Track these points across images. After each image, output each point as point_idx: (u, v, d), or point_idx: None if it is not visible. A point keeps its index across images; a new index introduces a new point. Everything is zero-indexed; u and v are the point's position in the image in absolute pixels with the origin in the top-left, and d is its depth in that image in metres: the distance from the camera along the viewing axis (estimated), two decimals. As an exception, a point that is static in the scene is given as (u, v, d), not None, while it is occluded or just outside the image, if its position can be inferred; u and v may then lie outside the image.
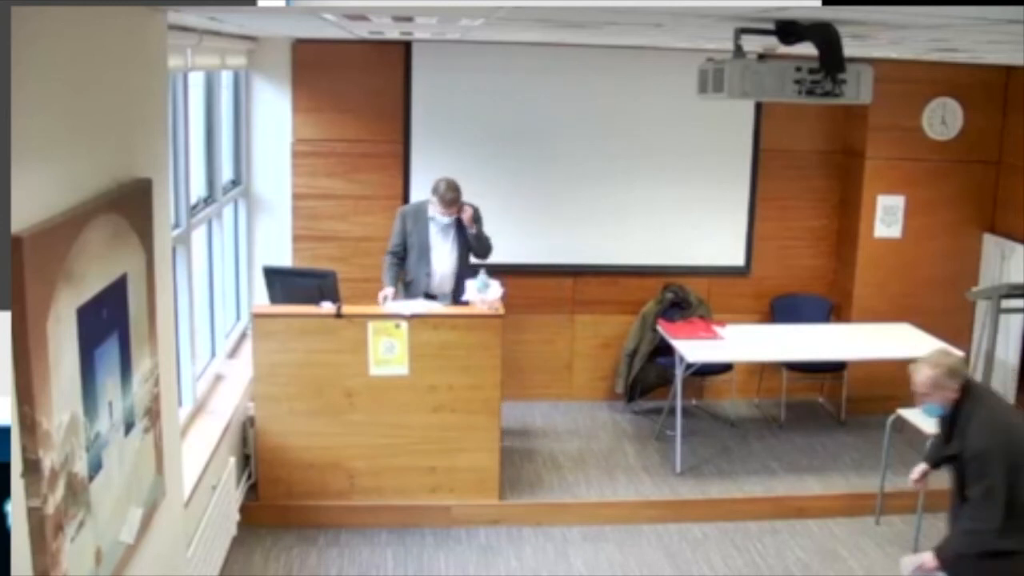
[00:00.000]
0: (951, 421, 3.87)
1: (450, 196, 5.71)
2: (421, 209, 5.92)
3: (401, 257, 5.93)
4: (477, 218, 5.90)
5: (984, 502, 3.71)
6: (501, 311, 5.46)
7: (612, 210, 7.01)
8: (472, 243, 5.85)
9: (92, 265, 2.59)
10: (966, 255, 7.11)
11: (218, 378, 5.67)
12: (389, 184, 6.85)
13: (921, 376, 3.87)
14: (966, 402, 3.84)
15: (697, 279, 7.20)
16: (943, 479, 5.97)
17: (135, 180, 3.06)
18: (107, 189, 2.78)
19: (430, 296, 5.81)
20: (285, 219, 6.84)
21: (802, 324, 6.84)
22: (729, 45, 3.93)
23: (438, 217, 5.80)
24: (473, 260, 5.94)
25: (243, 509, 5.30)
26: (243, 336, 6.44)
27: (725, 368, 6.86)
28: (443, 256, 5.89)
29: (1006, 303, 6.16)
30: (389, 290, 5.75)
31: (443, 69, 6.73)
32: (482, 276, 5.59)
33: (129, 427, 2.97)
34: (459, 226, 5.89)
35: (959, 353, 4.03)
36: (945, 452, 3.97)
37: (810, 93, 3.88)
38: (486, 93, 6.83)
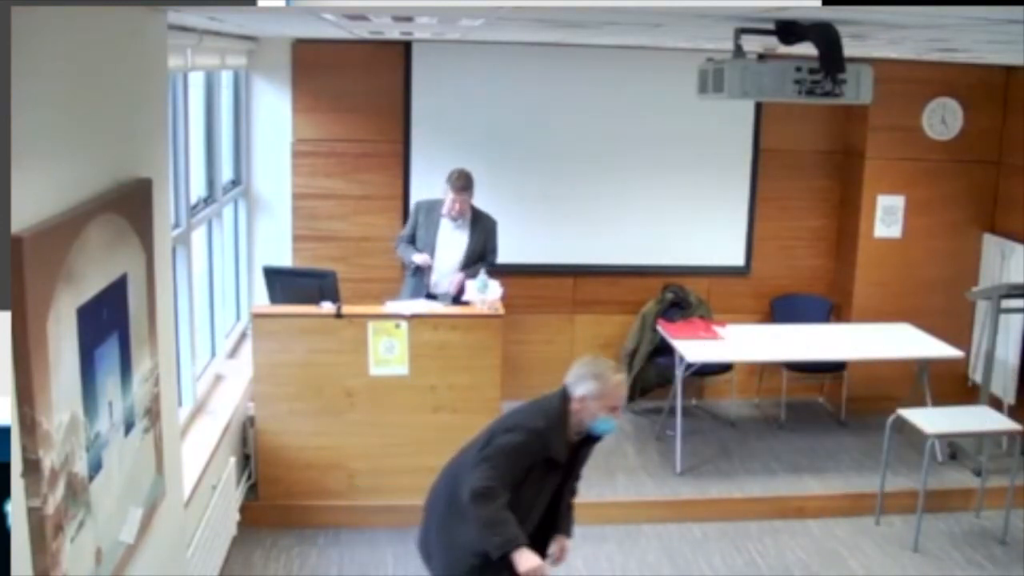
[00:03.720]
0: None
1: (460, 183, 5.77)
2: (436, 205, 5.95)
3: (411, 244, 5.99)
4: (493, 232, 5.99)
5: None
6: (501, 311, 5.46)
7: (612, 210, 7.01)
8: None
9: (92, 265, 2.59)
10: (966, 255, 7.11)
11: (218, 378, 5.67)
12: (389, 184, 6.85)
13: (624, 387, 3.52)
14: None
15: (697, 279, 7.20)
16: (942, 479, 6.01)
17: (135, 180, 3.06)
18: (107, 189, 2.78)
19: (431, 296, 5.83)
20: (285, 219, 6.84)
21: (802, 324, 6.83)
22: (729, 45, 3.93)
23: (447, 218, 5.87)
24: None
25: (243, 509, 5.30)
26: (243, 336, 6.44)
27: (725, 368, 6.85)
28: (448, 256, 5.91)
29: (1006, 303, 6.16)
30: (421, 256, 5.83)
31: (443, 69, 6.73)
32: (482, 276, 5.59)
33: (129, 427, 2.97)
34: (472, 231, 5.90)
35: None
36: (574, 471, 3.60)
37: (810, 93, 3.87)
38: (486, 93, 6.83)
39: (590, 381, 3.43)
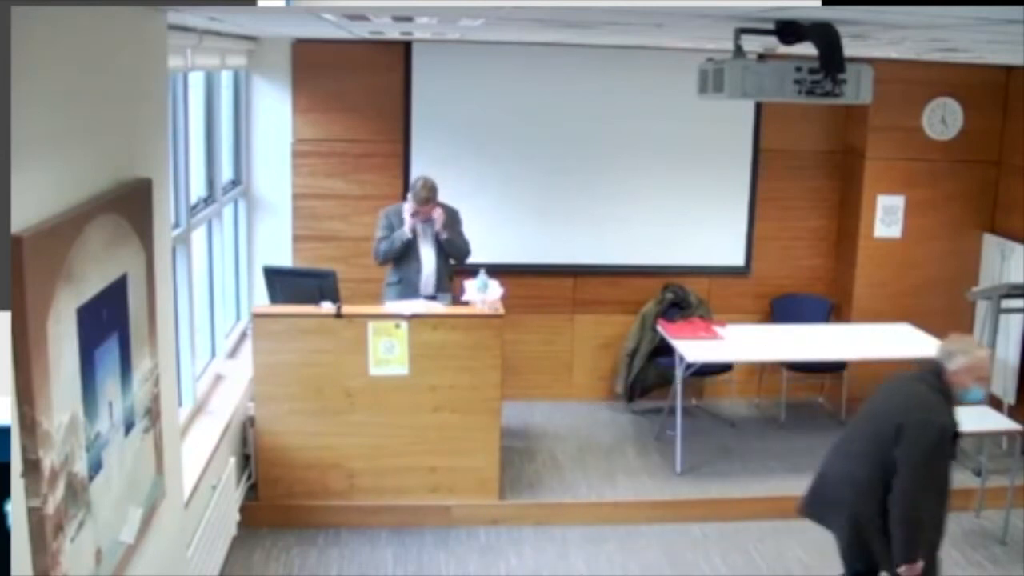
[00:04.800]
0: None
1: (423, 195, 5.75)
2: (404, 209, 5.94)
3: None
4: (456, 220, 5.94)
5: None
6: (501, 311, 5.46)
7: (612, 210, 7.01)
8: (445, 247, 5.88)
9: (92, 265, 2.59)
10: (966, 255, 7.11)
11: (218, 378, 5.67)
12: (389, 184, 6.85)
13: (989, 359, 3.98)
14: None
15: (697, 279, 7.21)
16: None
17: (135, 180, 3.07)
18: (107, 189, 2.78)
19: (429, 297, 5.82)
20: (285, 219, 6.84)
21: (802, 324, 6.83)
22: (729, 45, 3.93)
23: (413, 218, 5.80)
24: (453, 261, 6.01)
25: (243, 509, 5.30)
26: (243, 336, 6.44)
27: (725, 368, 6.85)
28: (428, 255, 5.91)
29: (1006, 303, 6.16)
30: (409, 221, 5.79)
31: (443, 69, 6.73)
32: (482, 276, 5.59)
33: (129, 427, 2.97)
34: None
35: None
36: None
37: (810, 93, 3.88)
38: (486, 93, 6.83)
39: (962, 356, 3.79)
